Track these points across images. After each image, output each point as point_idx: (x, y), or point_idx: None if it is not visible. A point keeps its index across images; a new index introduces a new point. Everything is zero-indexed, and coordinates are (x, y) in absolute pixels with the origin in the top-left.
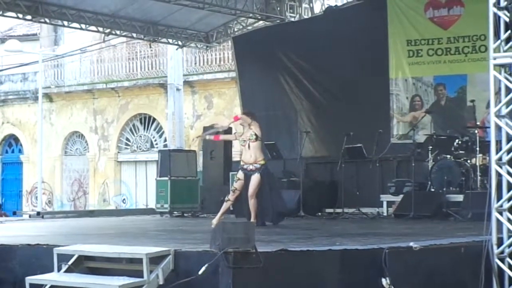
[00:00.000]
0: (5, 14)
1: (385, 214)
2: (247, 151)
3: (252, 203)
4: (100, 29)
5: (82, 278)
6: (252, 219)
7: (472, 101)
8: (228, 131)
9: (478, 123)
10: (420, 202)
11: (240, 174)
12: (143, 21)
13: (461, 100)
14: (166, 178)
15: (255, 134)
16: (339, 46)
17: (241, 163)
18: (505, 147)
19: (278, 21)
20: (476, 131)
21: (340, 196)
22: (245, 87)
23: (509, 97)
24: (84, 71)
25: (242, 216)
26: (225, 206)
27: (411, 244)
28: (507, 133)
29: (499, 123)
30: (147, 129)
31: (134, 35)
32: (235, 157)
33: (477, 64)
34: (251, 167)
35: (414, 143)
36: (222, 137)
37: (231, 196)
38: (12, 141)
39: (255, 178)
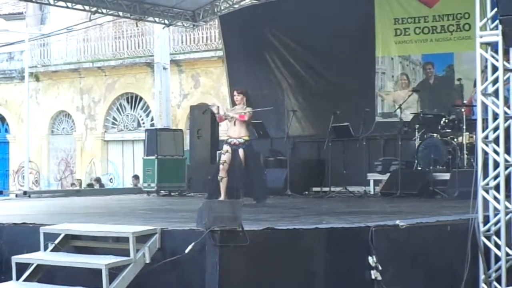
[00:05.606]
0: None
1: (372, 192)
2: (233, 127)
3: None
4: (86, 7)
5: (68, 257)
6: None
7: (459, 79)
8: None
9: (465, 101)
10: (406, 180)
11: (227, 147)
12: None
13: (449, 79)
14: (153, 157)
15: (245, 113)
16: (326, 25)
17: (227, 137)
18: (491, 125)
19: None
20: (463, 110)
21: (327, 174)
22: (232, 66)
23: (495, 75)
24: (71, 50)
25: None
26: (222, 185)
27: (398, 222)
28: (493, 111)
29: (485, 101)
30: (134, 108)
31: (121, 13)
32: (222, 136)
33: (463, 42)
34: (235, 141)
35: (401, 121)
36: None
37: (221, 172)
38: None
39: (242, 153)
